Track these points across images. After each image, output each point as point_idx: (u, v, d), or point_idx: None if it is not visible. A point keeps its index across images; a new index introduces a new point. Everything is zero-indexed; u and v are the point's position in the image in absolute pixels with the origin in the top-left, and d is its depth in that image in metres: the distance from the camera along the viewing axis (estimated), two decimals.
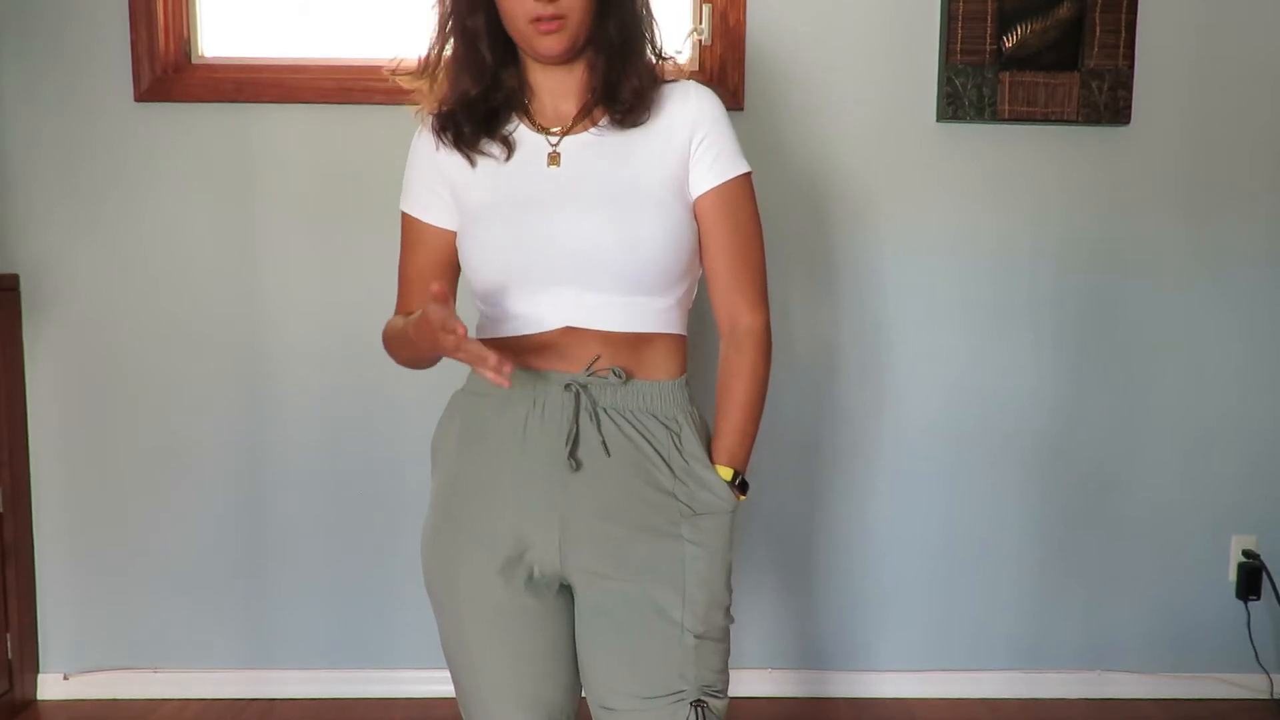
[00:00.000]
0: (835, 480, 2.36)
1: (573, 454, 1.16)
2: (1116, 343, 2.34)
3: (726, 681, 1.25)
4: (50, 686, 2.36)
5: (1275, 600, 2.38)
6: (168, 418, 2.31)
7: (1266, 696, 2.40)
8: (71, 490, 2.33)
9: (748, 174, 1.25)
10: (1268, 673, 2.39)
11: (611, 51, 1.19)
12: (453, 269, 1.30)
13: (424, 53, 1.28)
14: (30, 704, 2.34)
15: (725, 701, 1.24)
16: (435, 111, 1.26)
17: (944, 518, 2.37)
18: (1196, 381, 2.35)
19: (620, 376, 1.18)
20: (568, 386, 1.18)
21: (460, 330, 1.04)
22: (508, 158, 1.22)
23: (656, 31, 1.26)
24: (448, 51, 1.28)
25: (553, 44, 1.15)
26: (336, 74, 2.22)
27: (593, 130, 1.22)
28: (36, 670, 2.37)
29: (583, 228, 1.17)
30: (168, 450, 2.32)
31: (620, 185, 1.19)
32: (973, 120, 2.24)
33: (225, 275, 2.28)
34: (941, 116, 2.24)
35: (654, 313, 1.20)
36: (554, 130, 1.22)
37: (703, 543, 1.19)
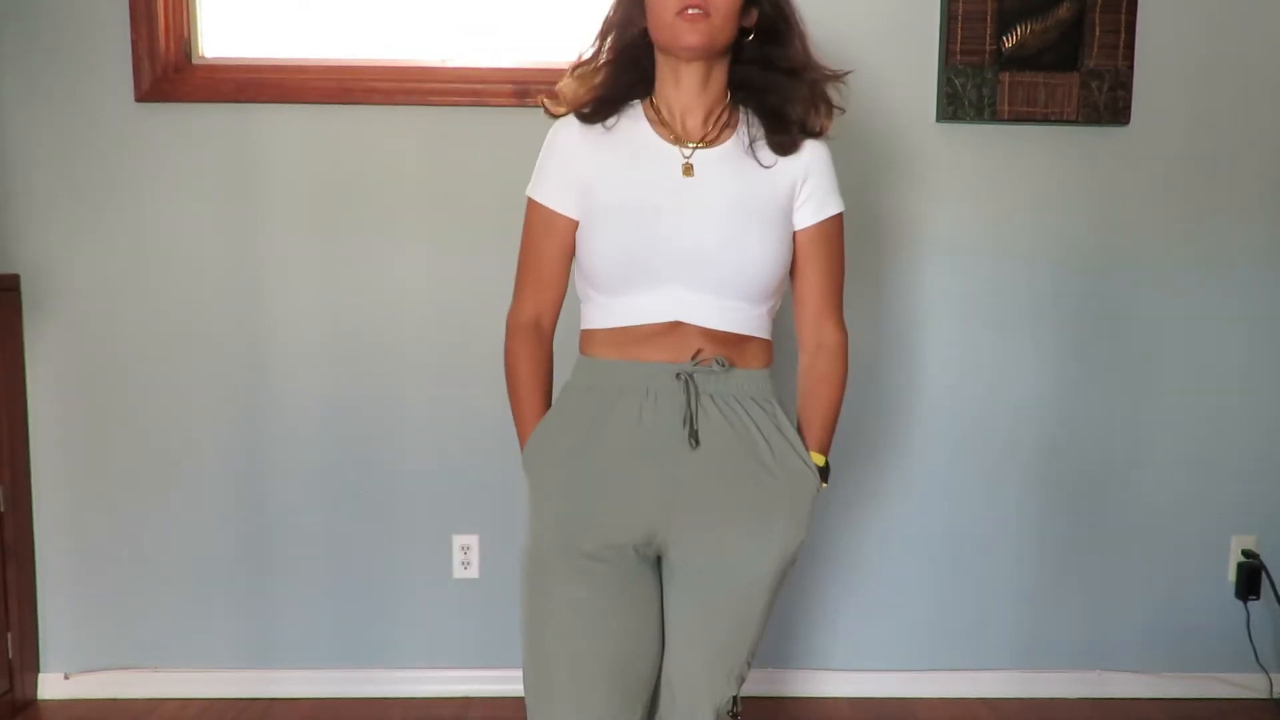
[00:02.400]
0: (835, 479, 2.36)
1: (692, 433, 1.29)
2: (1116, 342, 2.34)
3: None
4: (50, 686, 2.36)
5: (1275, 600, 2.38)
6: (167, 417, 2.31)
7: (1266, 696, 2.40)
8: (72, 490, 2.33)
9: (841, 212, 1.41)
10: (1267, 672, 2.39)
11: (778, 79, 1.34)
12: (571, 255, 1.39)
13: (587, 54, 1.40)
14: (30, 704, 2.34)
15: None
16: (575, 110, 1.37)
17: (944, 517, 2.38)
18: (1196, 382, 2.35)
19: (723, 365, 1.31)
20: (678, 375, 1.30)
21: None
22: (638, 157, 1.34)
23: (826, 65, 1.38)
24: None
25: (694, 37, 1.26)
26: (337, 74, 2.23)
27: (721, 148, 1.35)
28: (37, 670, 2.37)
29: (703, 235, 1.29)
30: (168, 450, 2.32)
31: (739, 202, 1.32)
32: (972, 120, 2.24)
33: (226, 275, 2.28)
34: (941, 117, 2.25)
35: (749, 317, 1.34)
36: (689, 144, 1.34)
37: (794, 520, 1.35)
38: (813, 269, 1.39)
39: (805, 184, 1.36)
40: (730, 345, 1.33)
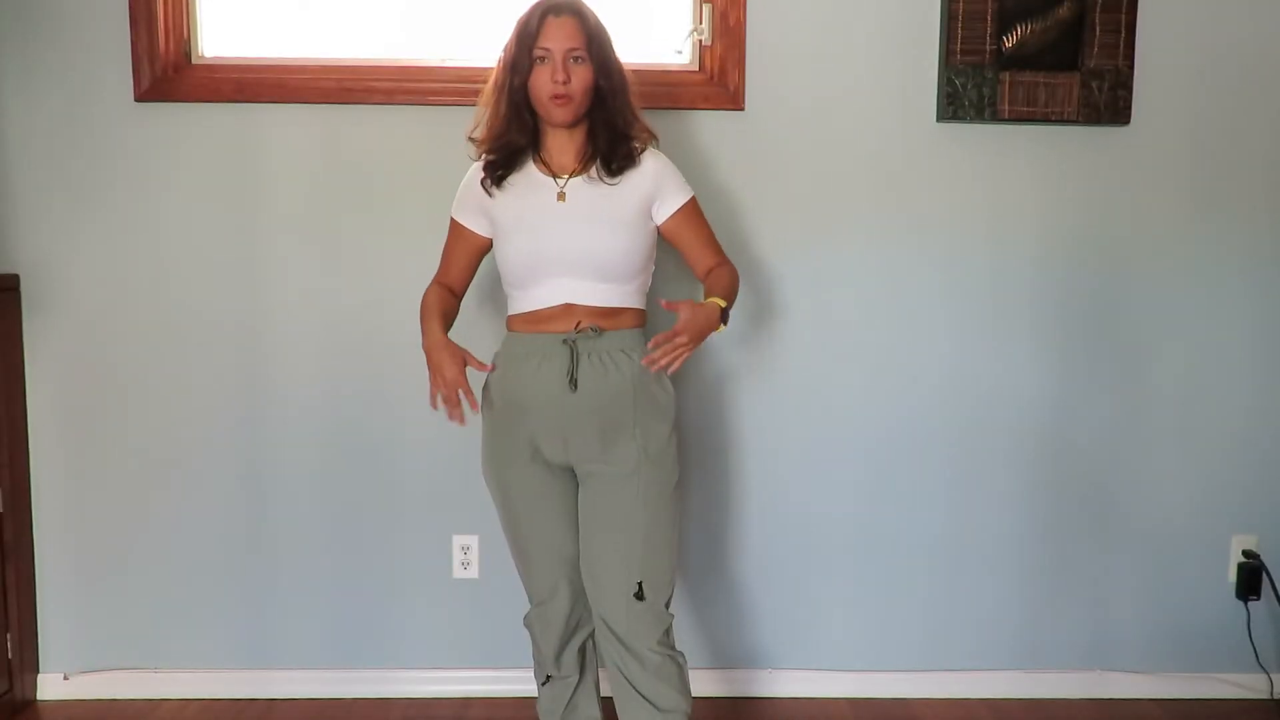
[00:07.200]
0: (834, 478, 2.36)
1: (572, 380, 1.76)
2: (1117, 342, 2.34)
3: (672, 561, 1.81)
4: (50, 686, 2.37)
5: (1275, 600, 2.38)
6: (167, 417, 2.31)
7: (1266, 696, 2.40)
8: (71, 490, 2.33)
9: (692, 196, 1.87)
10: (1267, 672, 2.39)
11: (612, 131, 1.82)
12: (478, 258, 1.94)
13: (484, 117, 1.85)
14: (30, 704, 2.34)
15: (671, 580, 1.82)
16: (487, 157, 1.85)
17: (944, 517, 2.38)
18: (1197, 381, 2.35)
19: (597, 331, 1.78)
20: (565, 341, 1.77)
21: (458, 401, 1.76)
22: (527, 191, 1.82)
23: (643, 119, 1.85)
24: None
25: (563, 113, 1.77)
26: (336, 74, 2.23)
27: (585, 177, 1.82)
28: (36, 670, 2.37)
29: (578, 240, 1.78)
30: (167, 450, 2.32)
31: (602, 214, 1.79)
32: (973, 120, 2.24)
33: (225, 275, 2.28)
34: (941, 116, 2.25)
35: (621, 293, 1.81)
36: (561, 176, 1.82)
37: (656, 417, 1.80)
38: (686, 243, 1.88)
39: (656, 191, 1.83)
40: (608, 316, 1.79)
